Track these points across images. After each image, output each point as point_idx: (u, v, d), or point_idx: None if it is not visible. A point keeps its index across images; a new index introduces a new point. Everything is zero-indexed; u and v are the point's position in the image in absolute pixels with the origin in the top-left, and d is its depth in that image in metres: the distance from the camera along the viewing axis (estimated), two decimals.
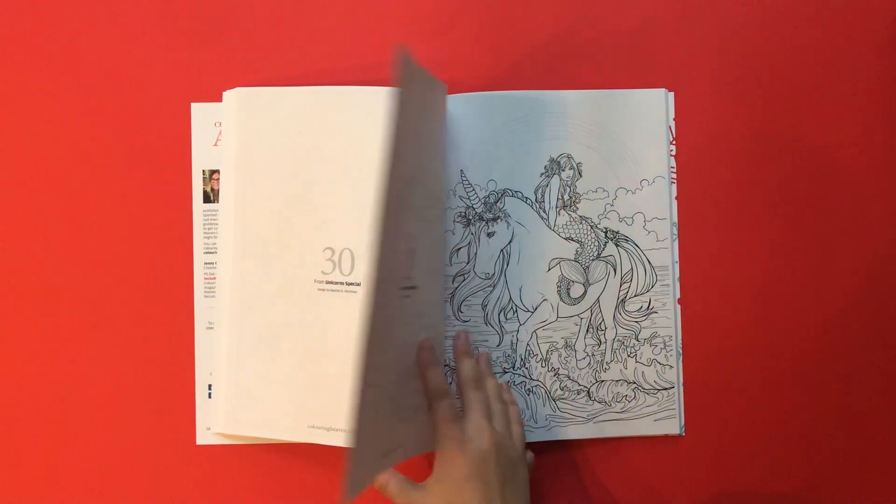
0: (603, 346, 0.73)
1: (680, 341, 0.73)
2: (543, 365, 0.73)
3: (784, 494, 0.73)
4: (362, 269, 0.70)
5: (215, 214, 0.74)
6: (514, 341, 0.73)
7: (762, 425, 0.73)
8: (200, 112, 0.74)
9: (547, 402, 0.73)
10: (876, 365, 0.73)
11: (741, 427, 0.73)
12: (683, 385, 0.73)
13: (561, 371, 0.73)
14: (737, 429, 0.73)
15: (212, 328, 0.73)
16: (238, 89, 0.73)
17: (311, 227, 0.71)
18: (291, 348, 0.71)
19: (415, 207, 0.64)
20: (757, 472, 0.73)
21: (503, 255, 0.73)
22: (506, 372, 0.73)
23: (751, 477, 0.73)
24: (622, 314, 0.73)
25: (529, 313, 0.73)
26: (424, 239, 0.67)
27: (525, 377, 0.73)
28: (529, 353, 0.73)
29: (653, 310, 0.73)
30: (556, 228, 0.73)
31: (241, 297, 0.72)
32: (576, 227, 0.73)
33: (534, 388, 0.73)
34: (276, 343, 0.71)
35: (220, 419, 0.72)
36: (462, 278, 0.73)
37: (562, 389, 0.73)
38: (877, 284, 0.74)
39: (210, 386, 0.73)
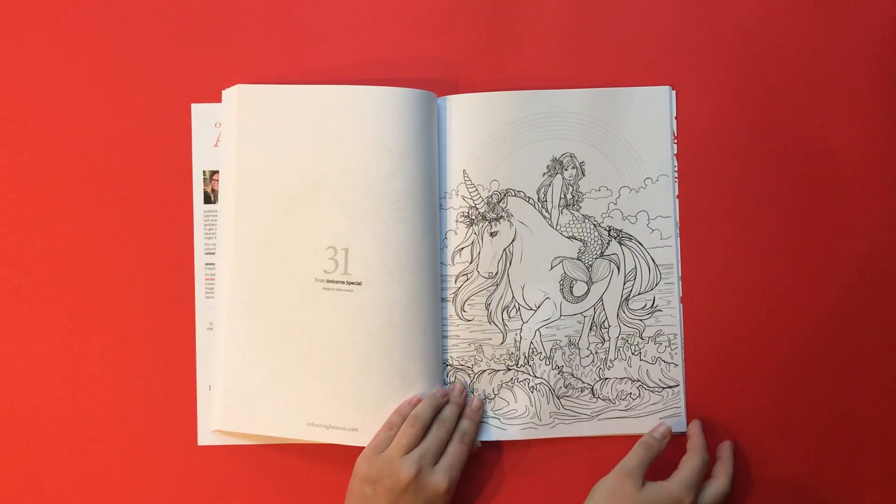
0: (607, 345, 0.73)
1: (683, 338, 0.73)
2: (547, 363, 0.73)
3: (787, 491, 0.73)
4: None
5: (216, 215, 0.74)
6: (518, 339, 0.73)
7: (765, 423, 0.73)
8: (201, 113, 0.74)
9: (551, 399, 0.73)
10: (880, 360, 0.73)
11: (744, 425, 0.73)
12: (686, 383, 0.73)
13: (565, 369, 0.73)
14: (740, 427, 0.73)
15: (213, 329, 0.73)
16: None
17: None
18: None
19: (343, 208, 0.70)
20: (760, 470, 0.73)
21: (506, 254, 0.73)
22: (509, 369, 0.73)
23: (754, 475, 0.73)
24: (626, 312, 0.73)
25: (532, 311, 0.73)
26: (370, 238, 0.70)
27: (528, 374, 0.73)
28: (533, 351, 0.73)
29: (657, 308, 0.73)
30: (558, 227, 0.73)
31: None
32: (578, 225, 0.73)
33: (537, 386, 0.73)
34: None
35: (217, 416, 0.72)
36: (465, 278, 0.73)
37: (566, 387, 0.73)
38: (880, 281, 0.73)
39: (210, 386, 0.73)
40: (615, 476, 0.67)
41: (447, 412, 0.70)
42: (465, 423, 0.71)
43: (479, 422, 0.72)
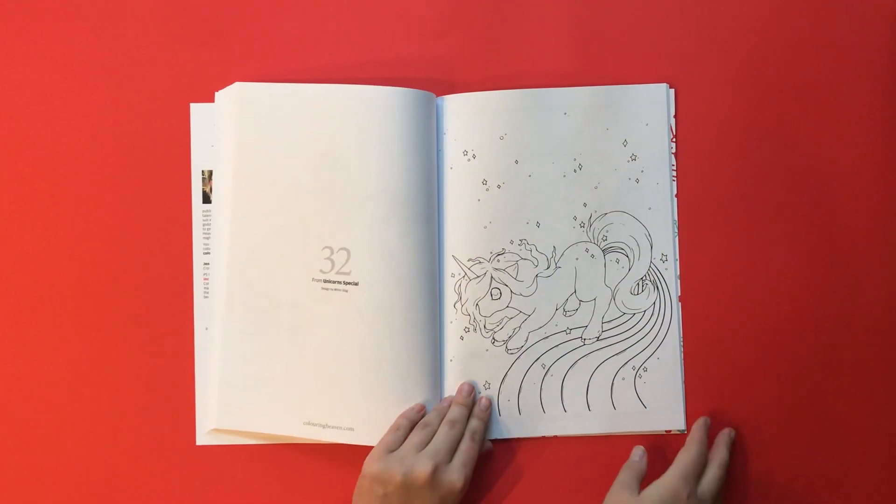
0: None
1: (681, 338, 0.73)
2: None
3: (785, 489, 0.73)
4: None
5: None
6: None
7: (763, 420, 0.73)
8: (199, 112, 0.74)
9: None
10: (879, 359, 0.73)
11: (742, 423, 0.73)
12: (685, 382, 0.73)
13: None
14: (737, 425, 0.73)
15: (209, 328, 0.73)
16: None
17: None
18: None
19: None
20: (758, 467, 0.73)
21: None
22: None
23: (752, 472, 0.73)
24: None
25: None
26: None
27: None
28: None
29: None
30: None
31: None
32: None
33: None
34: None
35: (213, 415, 0.72)
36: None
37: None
38: (877, 279, 0.73)
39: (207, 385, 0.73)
40: (612, 493, 0.67)
41: (456, 413, 0.70)
42: (475, 423, 0.71)
43: (488, 421, 0.72)
